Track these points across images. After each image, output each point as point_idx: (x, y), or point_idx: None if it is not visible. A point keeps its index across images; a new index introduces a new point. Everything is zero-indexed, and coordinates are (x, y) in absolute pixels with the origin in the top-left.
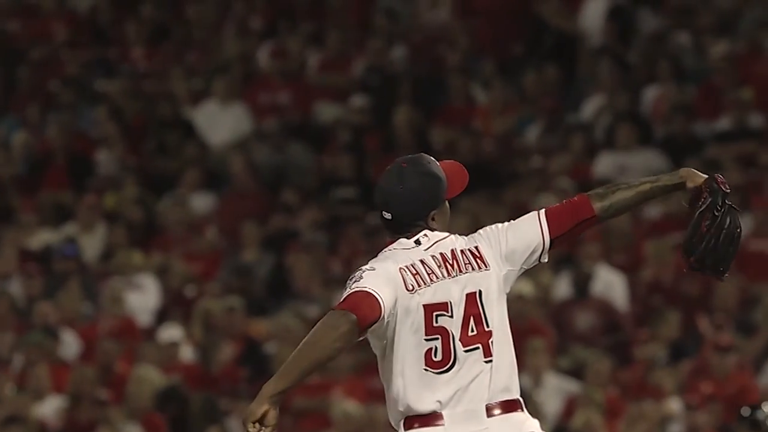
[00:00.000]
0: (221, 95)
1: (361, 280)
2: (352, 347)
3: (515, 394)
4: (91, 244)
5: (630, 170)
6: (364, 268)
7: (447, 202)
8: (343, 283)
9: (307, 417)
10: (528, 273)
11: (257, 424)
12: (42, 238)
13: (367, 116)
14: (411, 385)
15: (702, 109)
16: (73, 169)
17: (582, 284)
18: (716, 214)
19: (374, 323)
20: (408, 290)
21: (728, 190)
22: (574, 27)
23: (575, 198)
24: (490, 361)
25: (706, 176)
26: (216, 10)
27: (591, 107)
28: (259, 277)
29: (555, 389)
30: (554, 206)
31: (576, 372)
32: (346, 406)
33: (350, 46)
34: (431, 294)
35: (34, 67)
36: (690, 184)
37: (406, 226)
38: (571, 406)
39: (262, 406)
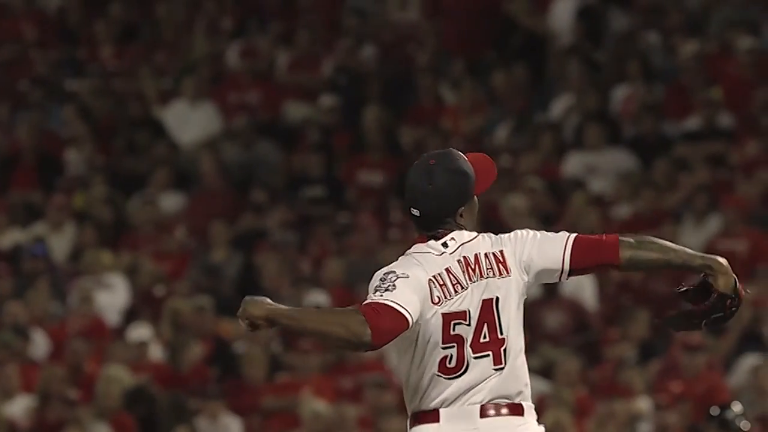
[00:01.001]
0: (190, 95)
1: (395, 291)
2: (321, 347)
3: (519, 399)
4: (61, 244)
5: (599, 170)
6: (397, 271)
7: (475, 197)
8: (311, 283)
9: (277, 416)
10: None
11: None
12: (11, 237)
13: (337, 116)
14: (422, 387)
15: (671, 108)
16: (42, 168)
17: (551, 284)
18: (714, 318)
19: (389, 342)
20: (433, 302)
21: (739, 305)
22: (543, 27)
23: (607, 237)
24: (501, 368)
25: (733, 283)
26: (185, 9)
27: (560, 107)
28: (229, 276)
29: None
30: (586, 237)
31: (545, 371)
32: (315, 405)
33: (319, 45)
34: (453, 304)
35: (3, 66)
36: (713, 282)
37: (435, 223)
38: (540, 406)
39: (261, 313)
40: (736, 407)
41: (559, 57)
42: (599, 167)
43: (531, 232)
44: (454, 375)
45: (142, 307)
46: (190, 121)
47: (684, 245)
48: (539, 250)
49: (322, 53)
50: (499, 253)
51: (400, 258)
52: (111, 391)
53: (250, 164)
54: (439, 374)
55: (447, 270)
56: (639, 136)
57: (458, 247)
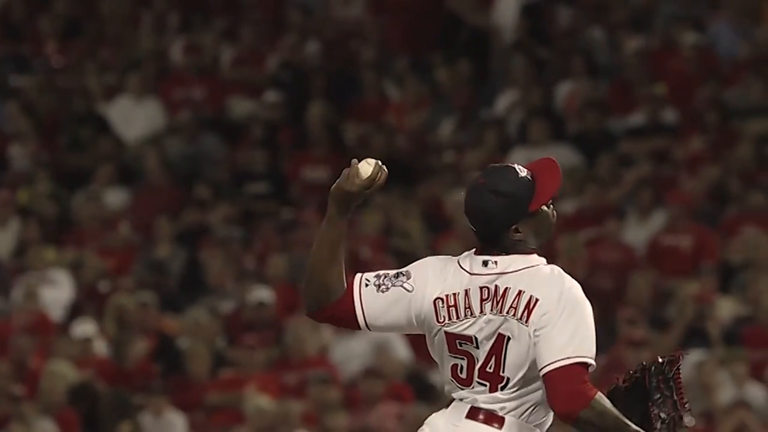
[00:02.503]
0: (135, 90)
1: (381, 292)
2: (265, 343)
3: (505, 413)
4: (5, 240)
5: None
6: (410, 275)
7: (542, 209)
8: (256, 278)
9: (221, 412)
10: None
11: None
12: None
13: (281, 111)
14: (443, 381)
15: (615, 104)
16: None
17: None
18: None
19: (338, 316)
20: (438, 321)
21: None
22: (487, 22)
23: (588, 391)
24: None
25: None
26: (129, 5)
27: (504, 102)
28: (173, 272)
29: None
30: (573, 375)
31: None
32: (259, 401)
33: (263, 41)
34: (458, 327)
35: None
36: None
37: (488, 239)
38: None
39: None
40: None
41: (504, 53)
42: None
43: (567, 315)
44: (462, 387)
45: (86, 302)
46: (134, 117)
47: (629, 240)
48: (547, 338)
49: (266, 49)
50: (534, 300)
51: (443, 258)
52: (55, 387)
53: (195, 159)
54: (452, 380)
55: (465, 292)
56: (583, 131)
57: (493, 275)
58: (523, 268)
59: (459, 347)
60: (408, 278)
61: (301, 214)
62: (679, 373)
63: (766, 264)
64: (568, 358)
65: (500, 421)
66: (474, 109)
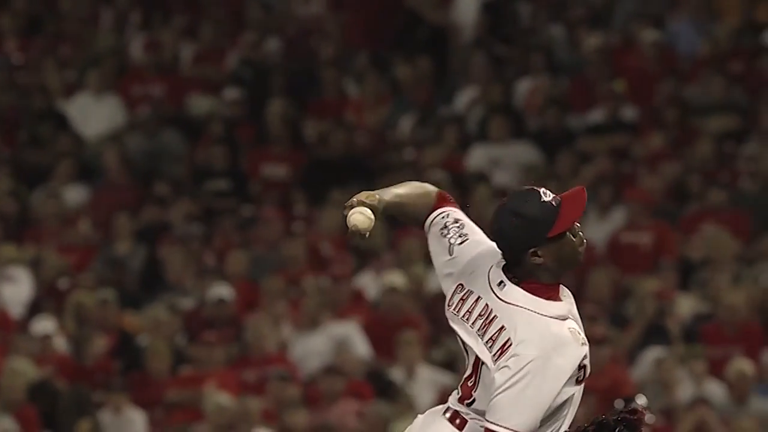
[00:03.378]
0: (95, 88)
1: (446, 237)
2: (225, 340)
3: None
4: None
5: (503, 163)
6: (474, 238)
7: (568, 236)
8: (215, 275)
9: (180, 409)
10: (401, 265)
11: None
12: None
13: (241, 109)
14: None
15: (575, 101)
16: None
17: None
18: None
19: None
20: (447, 303)
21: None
22: (447, 20)
23: None
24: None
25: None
26: (89, 2)
27: (464, 100)
28: (132, 269)
29: (428, 381)
30: None
31: (449, 364)
32: (218, 398)
33: (224, 38)
34: (456, 323)
35: None
36: None
37: (511, 261)
38: (444, 399)
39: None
40: (641, 400)
41: (463, 50)
42: (503, 160)
43: (524, 382)
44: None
45: (45, 300)
46: (94, 114)
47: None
48: (495, 388)
49: (226, 46)
50: (508, 344)
51: (491, 250)
52: (15, 385)
53: (154, 156)
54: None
55: (476, 299)
56: (543, 129)
57: (496, 297)
58: (522, 307)
59: (461, 342)
60: (462, 243)
61: (261, 211)
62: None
63: (725, 261)
64: (496, 424)
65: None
66: (434, 106)
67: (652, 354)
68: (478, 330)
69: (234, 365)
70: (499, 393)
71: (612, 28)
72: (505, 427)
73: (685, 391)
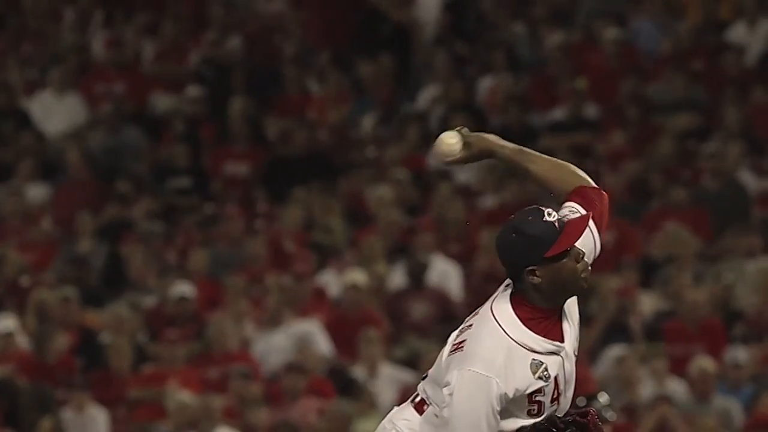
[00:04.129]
0: (57, 85)
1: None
2: (187, 337)
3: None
4: None
5: None
6: None
7: (567, 262)
8: (177, 273)
9: (142, 407)
10: (363, 263)
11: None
12: None
13: (202, 106)
14: None
15: (537, 99)
16: None
17: (417, 274)
18: None
19: None
20: None
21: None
22: (409, 17)
23: None
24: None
25: None
26: (51, 0)
27: (426, 97)
28: (94, 267)
29: (389, 379)
30: None
31: (411, 362)
32: (180, 396)
33: (185, 36)
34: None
35: None
36: None
37: (510, 276)
38: (406, 396)
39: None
40: (603, 398)
41: (425, 48)
42: None
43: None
44: None
45: (7, 297)
46: (56, 112)
47: None
48: (444, 415)
49: (188, 44)
50: (464, 344)
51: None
52: None
53: (116, 153)
54: None
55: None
56: (505, 126)
57: (492, 299)
58: (496, 319)
59: None
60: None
61: (223, 209)
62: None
63: (687, 259)
64: None
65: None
66: (396, 103)
67: (614, 352)
68: (467, 316)
69: (196, 363)
70: (444, 409)
71: (574, 25)
72: None
73: (647, 389)
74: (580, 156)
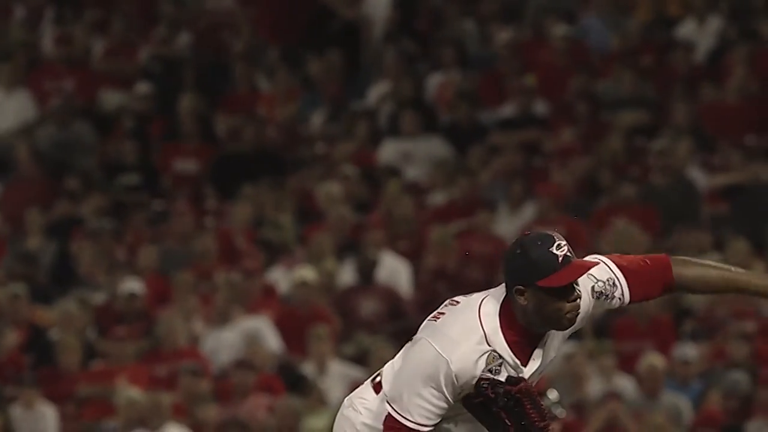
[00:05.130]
0: (5, 82)
1: None
2: (136, 334)
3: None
4: None
5: (414, 157)
6: None
7: (555, 300)
8: (126, 270)
9: (91, 404)
10: (312, 259)
11: None
12: None
13: (152, 103)
14: None
15: (486, 96)
16: None
17: (366, 271)
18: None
19: None
20: None
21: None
22: (358, 14)
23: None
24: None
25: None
26: None
27: (375, 94)
28: (43, 263)
29: (339, 376)
30: None
31: (360, 359)
32: (130, 393)
33: (135, 33)
34: None
35: None
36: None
37: (505, 284)
38: None
39: None
40: (552, 395)
41: (375, 44)
42: (414, 154)
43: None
44: None
45: None
46: (5, 109)
47: (500, 232)
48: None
49: (138, 41)
50: (435, 319)
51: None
52: None
53: (65, 147)
54: None
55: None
56: (454, 123)
57: (468, 296)
58: (471, 306)
59: None
60: None
61: (172, 206)
62: (526, 404)
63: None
64: (394, 409)
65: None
66: (345, 100)
67: (563, 349)
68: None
69: (145, 359)
70: (398, 375)
71: (523, 22)
72: (401, 415)
73: (596, 385)
74: (528, 152)
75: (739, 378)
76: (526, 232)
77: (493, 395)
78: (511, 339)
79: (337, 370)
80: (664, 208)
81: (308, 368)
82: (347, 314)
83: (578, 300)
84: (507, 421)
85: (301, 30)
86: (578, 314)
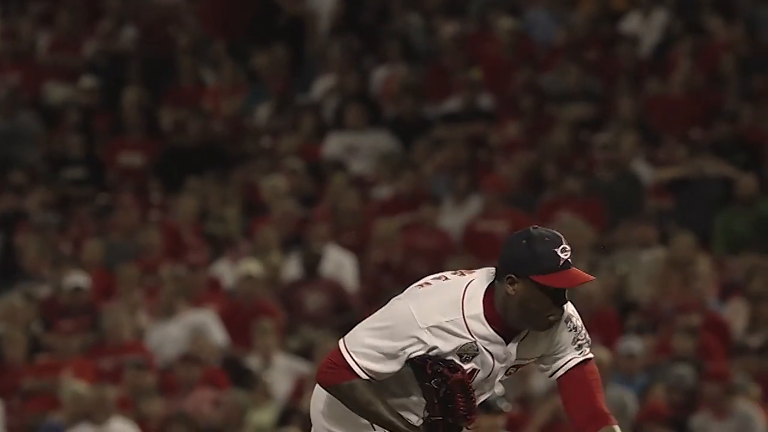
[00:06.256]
0: None
1: None
2: (81, 328)
3: None
4: None
5: (359, 150)
6: None
7: (544, 298)
8: (72, 263)
9: (36, 398)
10: (257, 253)
11: None
12: None
13: (97, 97)
14: None
15: (431, 89)
16: None
17: (311, 265)
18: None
19: None
20: None
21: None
22: (303, 8)
23: None
24: None
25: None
26: None
27: (320, 88)
28: None
29: (284, 370)
30: None
31: (305, 352)
32: (75, 386)
33: (80, 27)
34: None
35: None
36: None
37: (497, 270)
38: (300, 387)
39: None
40: (498, 388)
41: (320, 38)
42: (359, 148)
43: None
44: None
45: None
46: None
47: (445, 226)
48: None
49: (83, 34)
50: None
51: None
52: None
53: (11, 140)
54: None
55: None
56: (399, 117)
57: (458, 275)
58: (444, 285)
59: None
60: None
61: (117, 199)
62: (457, 392)
63: (581, 249)
64: (342, 338)
65: None
66: (290, 94)
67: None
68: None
69: (90, 353)
70: (366, 322)
71: (468, 16)
72: (344, 341)
73: (540, 380)
74: (474, 146)
75: (684, 372)
76: (535, 226)
77: (429, 372)
78: (489, 327)
79: (283, 364)
80: (610, 201)
81: (253, 362)
82: (292, 308)
83: (564, 309)
84: (435, 398)
85: (247, 24)
86: (558, 320)
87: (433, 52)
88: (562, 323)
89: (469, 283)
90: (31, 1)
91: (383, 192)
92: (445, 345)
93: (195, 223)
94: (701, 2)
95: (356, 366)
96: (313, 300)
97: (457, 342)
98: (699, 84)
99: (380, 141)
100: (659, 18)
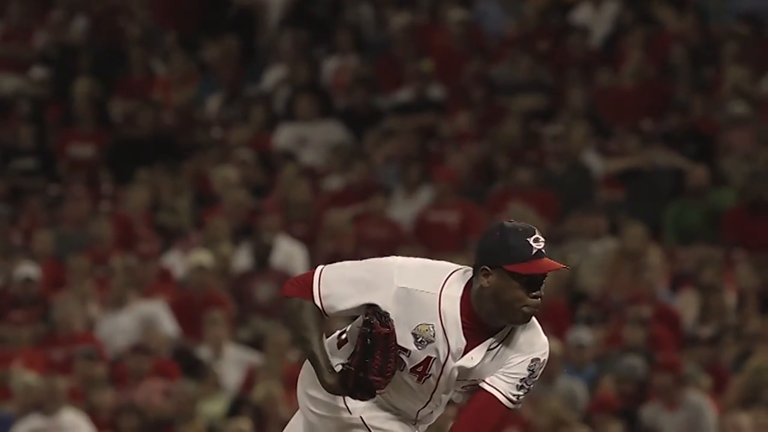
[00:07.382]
0: None
1: None
2: (32, 319)
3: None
4: None
5: (310, 141)
6: None
7: (517, 289)
8: (22, 254)
9: None
10: (208, 244)
11: None
12: None
13: (48, 88)
14: None
15: (382, 80)
16: None
17: (262, 255)
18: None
19: None
20: None
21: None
22: None
23: None
24: None
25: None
26: None
27: (271, 79)
28: None
29: (235, 360)
30: None
31: (255, 343)
32: (25, 377)
33: (31, 17)
34: None
35: None
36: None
37: (474, 264)
38: (251, 378)
39: None
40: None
41: (271, 29)
42: (310, 139)
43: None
44: None
45: None
46: None
47: (395, 217)
48: None
49: (34, 25)
50: None
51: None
52: None
53: None
54: None
55: None
56: (350, 107)
57: (451, 268)
58: (433, 267)
59: None
60: None
61: (68, 190)
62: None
63: None
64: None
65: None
66: (241, 85)
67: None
68: None
69: (41, 344)
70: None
71: (419, 7)
72: (319, 274)
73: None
74: (425, 137)
75: (635, 363)
76: (510, 220)
77: (366, 317)
78: (459, 316)
79: (233, 355)
80: (561, 192)
81: (204, 352)
82: (243, 298)
83: (539, 300)
84: (358, 346)
85: (198, 15)
86: (535, 312)
87: (384, 43)
88: (527, 358)
89: (456, 270)
90: None
91: (334, 183)
92: (406, 315)
93: (146, 214)
94: None
95: (317, 290)
96: (264, 291)
97: (417, 319)
98: (650, 75)
99: (331, 132)
100: (610, 9)
